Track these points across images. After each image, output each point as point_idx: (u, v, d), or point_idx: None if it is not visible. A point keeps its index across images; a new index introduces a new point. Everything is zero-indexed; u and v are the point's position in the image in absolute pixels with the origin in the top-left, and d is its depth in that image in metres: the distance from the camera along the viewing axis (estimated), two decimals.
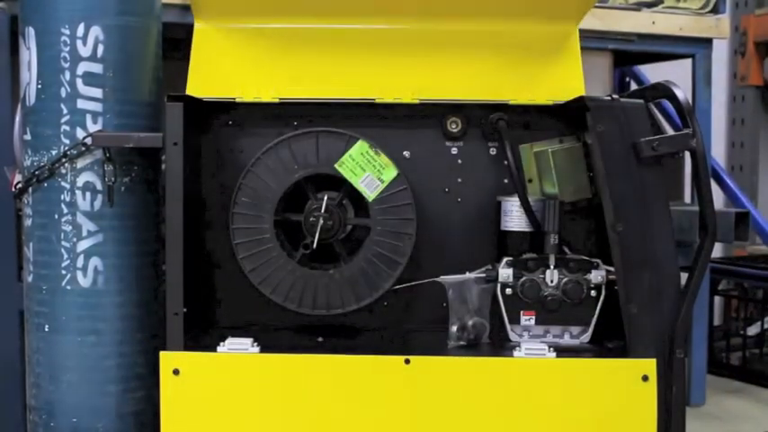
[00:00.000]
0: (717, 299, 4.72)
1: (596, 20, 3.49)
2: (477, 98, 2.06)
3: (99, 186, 2.06)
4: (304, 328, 2.11)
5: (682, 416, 1.91)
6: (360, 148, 2.02)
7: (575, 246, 2.07)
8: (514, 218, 2.04)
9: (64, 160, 2.04)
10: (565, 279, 1.99)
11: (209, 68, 2.05)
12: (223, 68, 2.06)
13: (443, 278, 2.01)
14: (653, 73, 4.25)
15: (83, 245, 2.06)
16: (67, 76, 2.04)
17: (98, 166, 2.05)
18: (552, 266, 1.99)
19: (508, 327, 2.01)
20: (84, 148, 2.04)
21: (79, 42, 2.04)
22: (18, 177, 2.14)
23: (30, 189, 2.09)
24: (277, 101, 2.05)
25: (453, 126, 2.13)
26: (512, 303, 2.00)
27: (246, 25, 2.06)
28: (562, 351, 1.93)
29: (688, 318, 1.92)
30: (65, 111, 2.05)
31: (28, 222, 2.12)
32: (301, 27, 2.06)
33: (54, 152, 2.05)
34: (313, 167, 2.03)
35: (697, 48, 3.77)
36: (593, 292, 1.99)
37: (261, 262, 2.03)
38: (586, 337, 2.02)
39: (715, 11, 3.74)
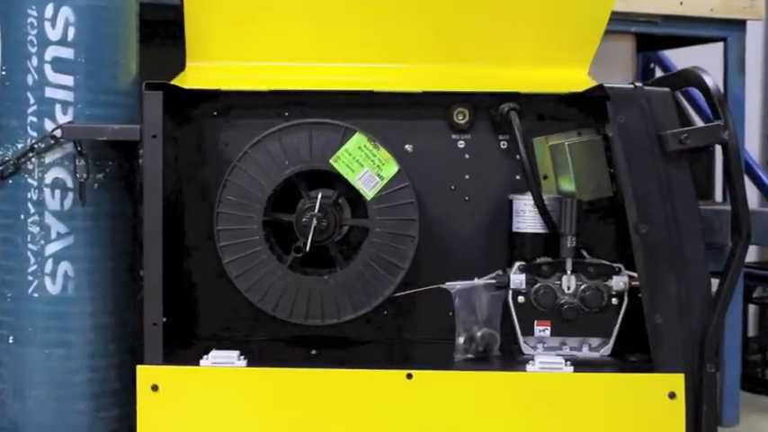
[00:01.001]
0: (751, 307, 4.72)
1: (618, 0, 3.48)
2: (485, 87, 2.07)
3: (69, 183, 2.06)
4: (296, 339, 2.11)
5: None
6: (357, 141, 2.02)
7: (594, 249, 2.07)
8: (527, 218, 2.04)
9: (31, 155, 2.04)
10: (583, 286, 1.99)
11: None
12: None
13: (449, 284, 2.02)
14: (680, 58, 4.25)
15: (51, 248, 2.06)
16: (35, 61, 2.04)
17: (68, 162, 2.05)
18: (569, 272, 1.99)
19: (521, 338, 2.02)
20: (53, 142, 2.03)
21: (47, 25, 2.03)
22: None
23: None
24: (266, 89, 2.05)
25: (460, 117, 2.13)
26: (525, 312, 2.00)
27: (241, 64, 2.08)
28: (580, 365, 1.94)
29: (719, 328, 1.92)
30: (32, 100, 2.05)
31: None
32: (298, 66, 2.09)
33: (20, 146, 2.05)
34: (306, 163, 2.03)
35: (729, 30, 3.76)
36: (614, 300, 1.99)
37: (248, 267, 2.03)
38: (607, 350, 2.02)
39: None
